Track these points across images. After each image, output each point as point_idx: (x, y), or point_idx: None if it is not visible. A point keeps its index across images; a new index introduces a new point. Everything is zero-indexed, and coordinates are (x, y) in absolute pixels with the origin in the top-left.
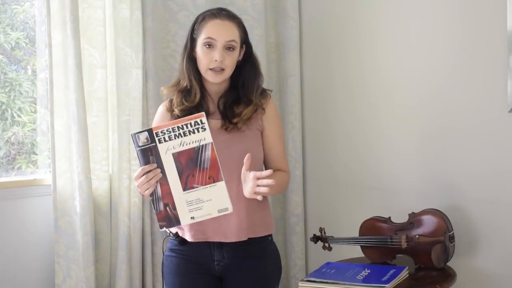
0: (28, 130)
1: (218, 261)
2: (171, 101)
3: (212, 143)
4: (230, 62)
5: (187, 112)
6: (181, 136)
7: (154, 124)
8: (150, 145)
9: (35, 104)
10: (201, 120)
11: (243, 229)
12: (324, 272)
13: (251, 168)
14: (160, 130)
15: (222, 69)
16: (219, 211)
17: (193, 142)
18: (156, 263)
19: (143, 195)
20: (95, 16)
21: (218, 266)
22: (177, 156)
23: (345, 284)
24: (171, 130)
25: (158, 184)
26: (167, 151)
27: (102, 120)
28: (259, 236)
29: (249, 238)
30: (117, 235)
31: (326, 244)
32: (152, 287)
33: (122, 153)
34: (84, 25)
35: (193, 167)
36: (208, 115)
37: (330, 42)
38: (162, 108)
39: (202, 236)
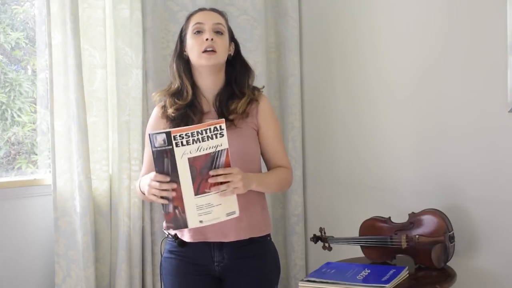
0: (28, 130)
1: (218, 262)
2: (164, 106)
3: (227, 149)
4: (221, 45)
5: (181, 110)
6: (199, 142)
7: (148, 127)
8: (166, 147)
9: (35, 104)
10: (220, 127)
11: (242, 228)
12: (324, 272)
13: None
14: (178, 134)
15: (214, 51)
16: (227, 214)
17: (210, 148)
18: (156, 263)
19: (143, 197)
20: (95, 16)
21: (218, 267)
22: (192, 161)
23: (345, 284)
24: (189, 134)
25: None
26: (183, 155)
27: (102, 120)
28: (260, 236)
29: (249, 238)
30: (117, 235)
31: (326, 244)
32: (152, 287)
33: (122, 153)
34: (84, 25)
35: (207, 172)
36: (203, 115)
37: (330, 42)
38: (156, 112)
39: (202, 237)
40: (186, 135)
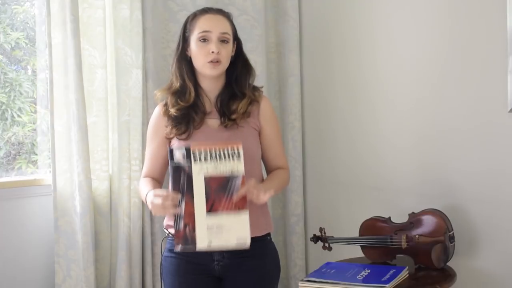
0: (28, 130)
1: (217, 261)
2: (166, 104)
3: (243, 175)
4: (226, 54)
5: (183, 111)
6: (217, 160)
7: (149, 125)
8: (185, 162)
9: (35, 104)
10: (237, 148)
11: None
12: (324, 272)
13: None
14: (197, 150)
15: (219, 62)
16: (237, 244)
17: (226, 169)
18: (156, 263)
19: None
20: (95, 16)
21: (217, 266)
22: (208, 181)
23: (345, 284)
24: (208, 151)
25: (183, 202)
26: (200, 171)
27: (102, 120)
28: (260, 235)
29: None
30: (117, 235)
31: (326, 244)
32: (152, 287)
33: (122, 153)
34: (84, 25)
35: (221, 192)
36: (205, 115)
37: (330, 42)
38: (158, 110)
39: None
40: (204, 151)
